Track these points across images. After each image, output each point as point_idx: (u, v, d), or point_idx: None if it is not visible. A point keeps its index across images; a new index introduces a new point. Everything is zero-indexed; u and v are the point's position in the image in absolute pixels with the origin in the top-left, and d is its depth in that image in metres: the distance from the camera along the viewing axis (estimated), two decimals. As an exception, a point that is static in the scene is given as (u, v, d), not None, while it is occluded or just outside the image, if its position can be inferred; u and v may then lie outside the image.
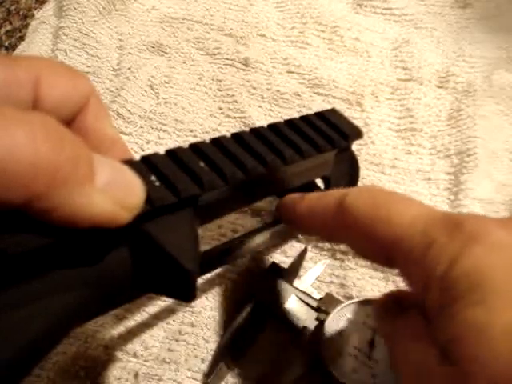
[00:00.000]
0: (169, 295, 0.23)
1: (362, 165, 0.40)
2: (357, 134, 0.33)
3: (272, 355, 0.32)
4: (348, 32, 0.51)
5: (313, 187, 0.36)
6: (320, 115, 0.32)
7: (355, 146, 0.42)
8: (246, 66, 0.48)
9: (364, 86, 0.46)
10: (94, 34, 0.52)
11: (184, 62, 0.50)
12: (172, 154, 0.23)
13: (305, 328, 0.32)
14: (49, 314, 0.18)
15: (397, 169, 0.41)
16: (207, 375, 0.31)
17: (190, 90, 0.47)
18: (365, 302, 0.32)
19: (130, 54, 0.51)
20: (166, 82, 0.48)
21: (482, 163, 0.39)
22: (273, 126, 0.29)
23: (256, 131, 0.28)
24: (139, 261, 0.21)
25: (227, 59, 0.49)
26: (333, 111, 0.33)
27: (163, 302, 0.34)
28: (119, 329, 0.33)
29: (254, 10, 0.54)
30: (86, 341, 0.32)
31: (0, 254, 0.16)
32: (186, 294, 0.22)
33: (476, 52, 0.48)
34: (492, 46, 0.49)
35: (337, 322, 0.31)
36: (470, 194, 0.38)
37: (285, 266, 0.35)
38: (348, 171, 0.35)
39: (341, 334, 0.30)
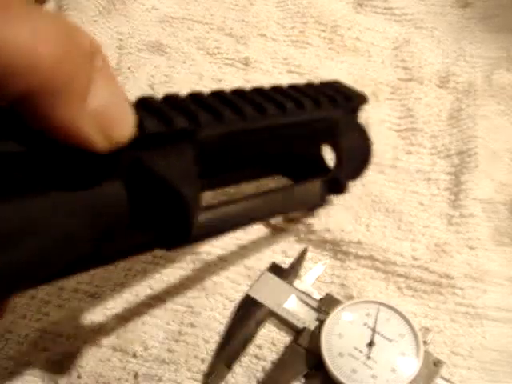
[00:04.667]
0: (167, 236, 0.22)
1: (362, 165, 0.40)
2: (361, 97, 0.33)
3: (272, 355, 0.32)
4: (348, 31, 0.51)
5: (319, 163, 0.35)
6: (324, 83, 0.33)
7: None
8: (246, 65, 0.48)
9: (364, 85, 0.46)
10: (94, 33, 0.52)
11: (184, 62, 0.50)
12: (169, 97, 0.23)
13: (305, 328, 0.32)
14: (48, 233, 0.17)
15: (397, 168, 0.40)
16: (207, 375, 0.31)
17: (190, 89, 0.47)
18: (365, 303, 0.32)
19: (130, 53, 0.51)
20: (165, 82, 0.48)
21: (482, 163, 0.39)
22: (275, 86, 0.29)
23: (257, 88, 0.28)
24: (135, 195, 0.20)
25: (227, 59, 0.49)
26: (337, 81, 0.34)
27: (163, 303, 0.34)
28: (119, 329, 0.33)
29: (254, 9, 0.53)
30: (86, 341, 0.32)
31: None
32: (184, 227, 0.22)
33: (476, 52, 0.48)
34: (492, 46, 0.49)
35: (337, 322, 0.31)
36: (471, 194, 0.38)
37: (285, 266, 0.35)
38: (360, 144, 0.35)
39: (341, 334, 0.30)
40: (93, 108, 0.17)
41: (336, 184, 0.34)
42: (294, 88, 0.30)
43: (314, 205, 0.36)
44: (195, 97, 0.25)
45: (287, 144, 0.31)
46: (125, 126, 0.19)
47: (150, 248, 0.25)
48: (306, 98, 0.29)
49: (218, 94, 0.26)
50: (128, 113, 0.19)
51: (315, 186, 0.34)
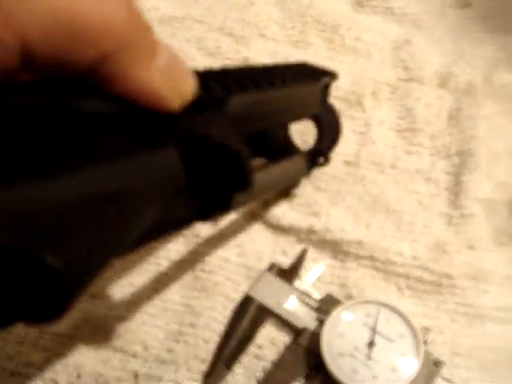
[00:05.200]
0: (225, 191, 0.23)
1: (362, 164, 0.40)
2: (334, 74, 0.37)
3: (272, 355, 0.32)
4: (348, 31, 0.51)
5: (290, 143, 0.40)
6: (297, 63, 0.36)
7: (355, 146, 0.42)
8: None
9: (364, 85, 0.46)
10: (94, 33, 0.52)
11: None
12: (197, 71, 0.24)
13: (305, 328, 0.32)
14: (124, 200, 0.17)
15: (397, 168, 0.40)
16: (207, 376, 0.31)
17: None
18: (365, 303, 0.32)
19: (130, 53, 0.50)
20: (165, 82, 0.48)
21: (482, 163, 0.39)
22: (263, 65, 0.32)
23: (251, 66, 0.31)
24: (189, 162, 0.21)
25: (227, 59, 0.49)
26: (306, 62, 0.37)
27: (163, 303, 0.34)
28: (119, 329, 0.33)
29: (255, 9, 0.53)
30: (86, 341, 0.32)
31: (76, 113, 0.16)
32: (241, 180, 0.23)
33: (476, 52, 0.48)
34: (492, 46, 0.49)
35: (337, 322, 0.31)
36: (471, 194, 0.38)
37: (285, 266, 0.35)
38: (333, 118, 0.39)
39: (341, 334, 0.30)
40: (162, 64, 0.18)
41: (320, 155, 0.37)
42: (279, 66, 0.33)
43: (300, 178, 0.39)
44: (215, 71, 0.26)
45: (287, 115, 0.33)
46: (190, 82, 0.20)
47: (206, 215, 0.25)
48: (297, 72, 0.32)
49: (230, 69, 0.27)
50: (189, 69, 0.20)
51: (301, 159, 0.37)
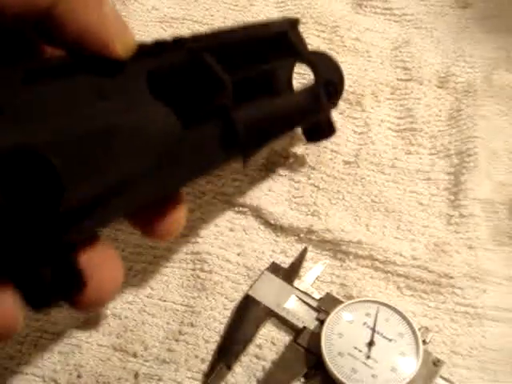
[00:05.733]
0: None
1: (361, 164, 0.40)
2: (295, 20, 0.36)
3: (272, 355, 0.32)
4: (348, 32, 0.51)
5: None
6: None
7: (355, 146, 0.42)
8: (246, 66, 0.48)
9: (364, 85, 0.46)
10: (94, 34, 0.52)
11: (184, 62, 0.50)
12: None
13: (305, 328, 0.32)
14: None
15: (396, 169, 0.40)
16: (207, 375, 0.31)
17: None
18: (364, 302, 0.32)
19: (130, 54, 0.51)
20: (165, 82, 0.48)
21: (481, 163, 0.39)
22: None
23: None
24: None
25: (227, 59, 0.49)
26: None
27: (163, 302, 0.34)
28: (119, 329, 0.33)
29: (254, 10, 0.54)
30: (86, 341, 0.33)
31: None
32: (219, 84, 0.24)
33: (476, 52, 0.48)
34: (492, 46, 0.49)
35: (337, 322, 0.31)
36: (470, 194, 0.38)
37: (285, 266, 0.35)
38: (328, 61, 0.39)
39: (341, 334, 0.30)
40: (108, 12, 0.20)
41: (329, 86, 0.37)
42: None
43: (317, 112, 0.38)
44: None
45: (255, 52, 0.33)
46: (131, 32, 0.21)
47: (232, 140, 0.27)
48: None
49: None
50: (128, 26, 0.22)
51: (304, 94, 0.36)
